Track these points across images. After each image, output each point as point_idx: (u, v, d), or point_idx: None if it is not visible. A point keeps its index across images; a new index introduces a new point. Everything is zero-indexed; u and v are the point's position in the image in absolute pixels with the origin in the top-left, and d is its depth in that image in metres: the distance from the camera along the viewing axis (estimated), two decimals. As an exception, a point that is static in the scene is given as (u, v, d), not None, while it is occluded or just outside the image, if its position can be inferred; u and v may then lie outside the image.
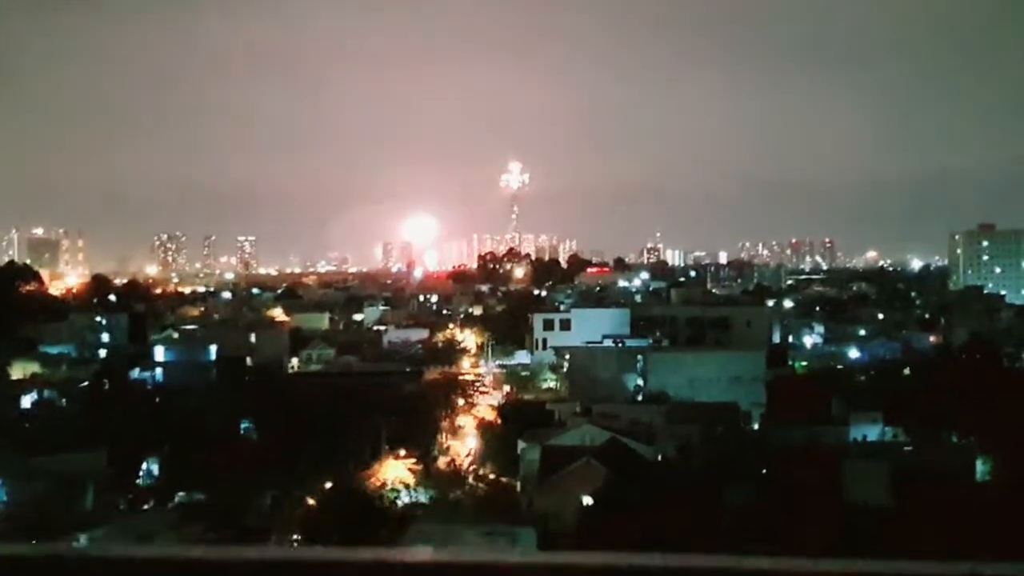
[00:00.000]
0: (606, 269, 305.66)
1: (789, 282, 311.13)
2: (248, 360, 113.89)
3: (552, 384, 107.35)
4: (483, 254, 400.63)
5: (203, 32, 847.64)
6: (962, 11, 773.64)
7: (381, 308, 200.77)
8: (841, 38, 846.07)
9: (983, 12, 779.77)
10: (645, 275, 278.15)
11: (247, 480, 59.99)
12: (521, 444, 65.74)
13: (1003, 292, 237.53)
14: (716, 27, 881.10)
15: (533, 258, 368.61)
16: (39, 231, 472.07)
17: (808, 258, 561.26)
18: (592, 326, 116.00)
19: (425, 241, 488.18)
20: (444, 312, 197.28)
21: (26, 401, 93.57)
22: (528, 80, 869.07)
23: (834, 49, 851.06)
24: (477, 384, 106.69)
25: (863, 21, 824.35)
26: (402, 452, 70.64)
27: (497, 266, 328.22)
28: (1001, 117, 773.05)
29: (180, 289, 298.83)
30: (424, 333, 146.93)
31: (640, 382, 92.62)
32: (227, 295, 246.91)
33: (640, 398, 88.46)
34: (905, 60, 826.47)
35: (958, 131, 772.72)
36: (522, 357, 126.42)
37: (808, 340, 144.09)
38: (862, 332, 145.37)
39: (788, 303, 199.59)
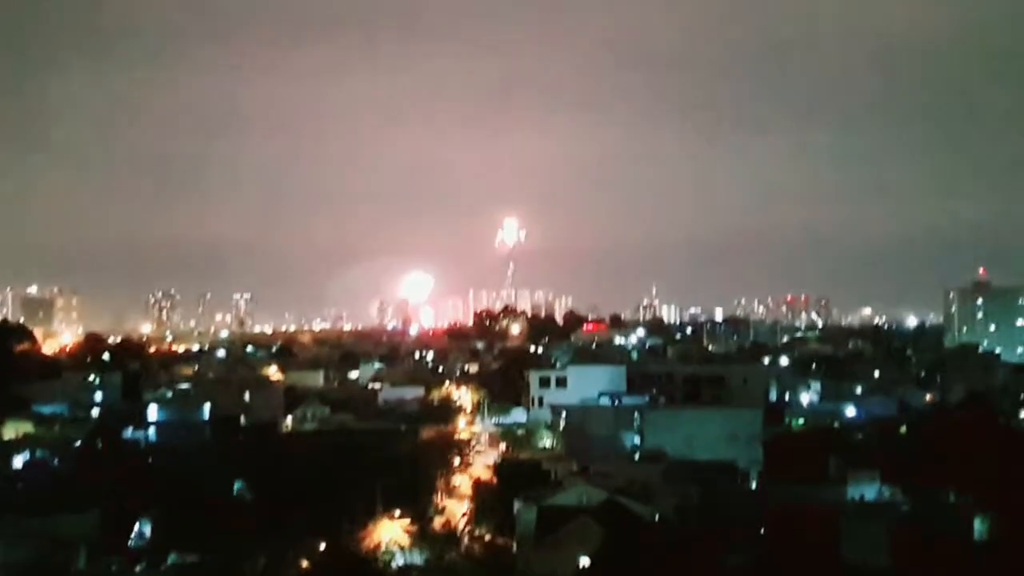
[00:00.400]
0: (602, 326, 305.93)
1: (785, 339, 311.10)
2: (242, 419, 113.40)
3: (548, 443, 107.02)
4: (479, 311, 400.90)
5: (200, 89, 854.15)
6: (955, 66, 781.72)
7: (376, 366, 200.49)
8: (832, 94, 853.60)
9: (975, 67, 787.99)
10: (641, 332, 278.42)
11: (241, 541, 59.47)
12: (517, 504, 65.34)
13: (998, 350, 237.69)
14: (708, 82, 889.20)
15: (529, 315, 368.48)
16: (33, 289, 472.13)
17: (803, 315, 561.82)
18: (588, 384, 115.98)
19: (421, 298, 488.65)
20: (440, 370, 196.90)
21: (18, 461, 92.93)
22: (523, 137, 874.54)
23: (830, 105, 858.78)
24: (473, 443, 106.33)
25: (853, 77, 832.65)
26: (397, 513, 70.07)
27: (493, 323, 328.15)
28: (995, 174, 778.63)
29: (175, 347, 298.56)
30: (420, 391, 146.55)
31: (637, 440, 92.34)
32: (221, 353, 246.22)
33: (637, 456, 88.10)
34: (897, 116, 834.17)
35: (952, 188, 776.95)
36: (518, 415, 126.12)
37: (804, 398, 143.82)
38: (858, 390, 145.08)
39: (784, 360, 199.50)
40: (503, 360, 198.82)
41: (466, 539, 67.56)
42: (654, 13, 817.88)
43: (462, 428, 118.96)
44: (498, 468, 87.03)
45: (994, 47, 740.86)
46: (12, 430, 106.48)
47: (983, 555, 51.02)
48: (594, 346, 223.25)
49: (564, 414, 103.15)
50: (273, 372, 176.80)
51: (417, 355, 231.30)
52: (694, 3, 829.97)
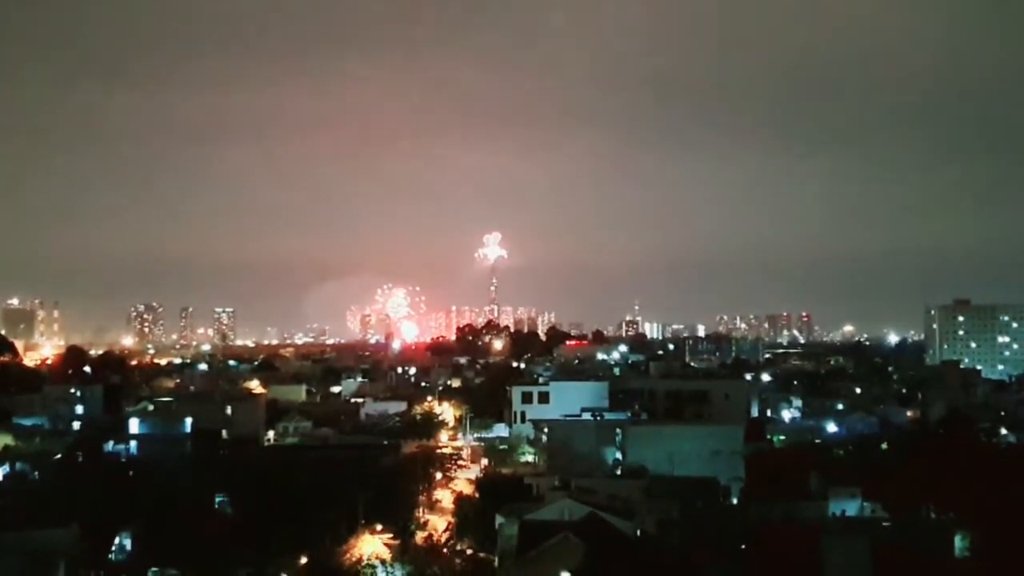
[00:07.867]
0: (585, 342, 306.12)
1: (767, 356, 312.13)
2: (224, 433, 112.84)
3: (530, 458, 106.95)
4: (462, 326, 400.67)
5: (184, 105, 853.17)
6: (938, 91, 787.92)
7: (359, 380, 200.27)
8: (819, 116, 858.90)
9: (958, 92, 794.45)
10: (624, 348, 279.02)
11: (221, 556, 59.24)
12: (499, 519, 65.22)
13: (979, 367, 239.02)
14: (693, 104, 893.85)
15: (512, 330, 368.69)
16: (14, 302, 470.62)
17: (785, 332, 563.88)
18: (571, 399, 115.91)
19: (403, 313, 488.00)
20: (422, 384, 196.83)
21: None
22: (507, 154, 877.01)
23: (813, 126, 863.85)
24: (455, 457, 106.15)
25: (839, 100, 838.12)
26: (379, 527, 69.91)
27: (476, 338, 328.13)
28: (976, 194, 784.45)
29: (156, 360, 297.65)
30: (402, 406, 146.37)
31: (619, 456, 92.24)
32: (203, 367, 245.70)
33: (619, 472, 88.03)
34: (882, 138, 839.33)
35: (933, 207, 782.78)
36: (500, 430, 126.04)
37: (786, 414, 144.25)
38: (840, 406, 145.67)
39: (766, 377, 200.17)
40: (486, 375, 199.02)
41: (448, 553, 67.43)
42: (639, 36, 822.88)
43: (444, 443, 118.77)
44: (480, 483, 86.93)
45: (974, 78, 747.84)
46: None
47: (964, 572, 51.20)
48: (576, 362, 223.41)
49: (546, 429, 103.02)
50: (255, 386, 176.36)
51: (400, 369, 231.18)
52: (678, 27, 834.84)
